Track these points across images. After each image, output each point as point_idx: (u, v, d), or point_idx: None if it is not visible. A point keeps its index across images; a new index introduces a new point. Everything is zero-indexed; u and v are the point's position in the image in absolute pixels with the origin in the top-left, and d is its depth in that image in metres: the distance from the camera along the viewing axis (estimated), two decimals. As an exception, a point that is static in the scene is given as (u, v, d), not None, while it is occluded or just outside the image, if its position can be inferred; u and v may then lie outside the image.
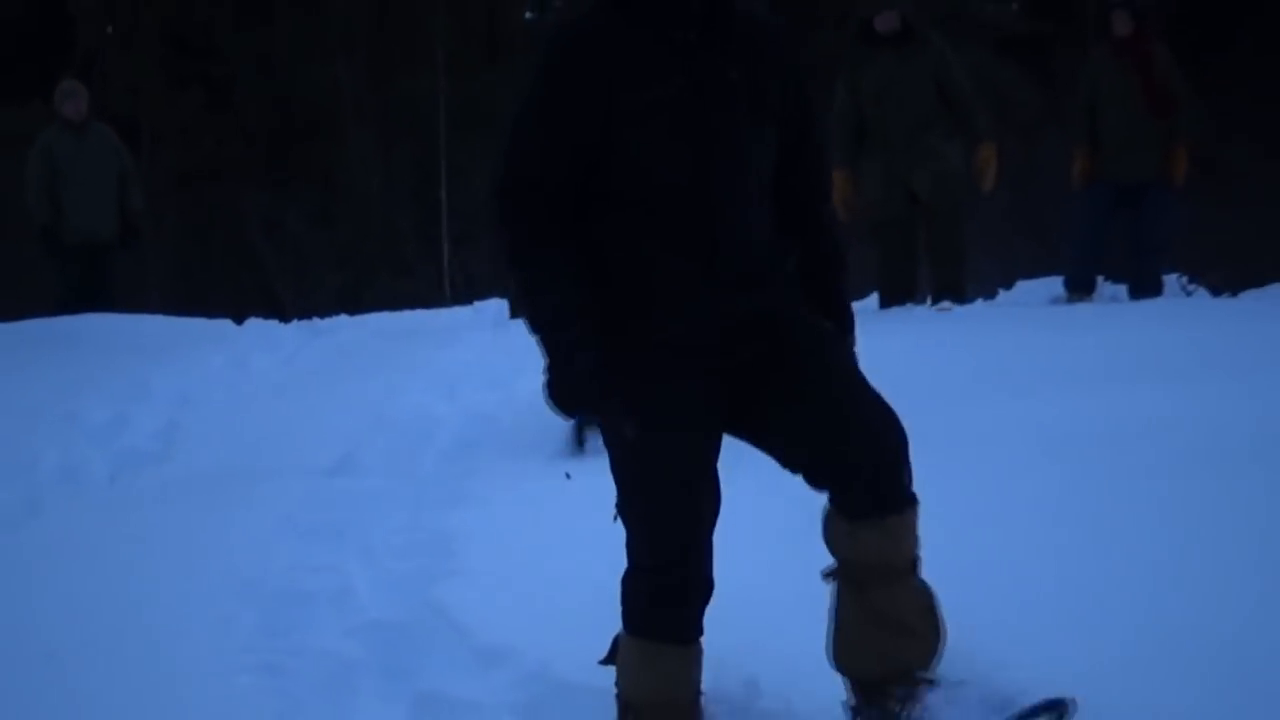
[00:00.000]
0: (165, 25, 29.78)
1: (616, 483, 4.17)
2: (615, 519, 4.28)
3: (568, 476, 7.55)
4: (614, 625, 5.54)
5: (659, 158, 3.82)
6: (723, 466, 4.25)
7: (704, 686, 4.46)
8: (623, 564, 6.04)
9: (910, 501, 3.94)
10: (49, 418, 9.54)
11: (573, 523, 6.72)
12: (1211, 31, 26.54)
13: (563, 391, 3.89)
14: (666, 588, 4.18)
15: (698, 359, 3.91)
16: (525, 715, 4.98)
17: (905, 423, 4.00)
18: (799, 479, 4.09)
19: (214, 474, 8.35)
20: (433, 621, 5.82)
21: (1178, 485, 6.23)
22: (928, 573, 4.12)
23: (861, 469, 3.82)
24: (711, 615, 4.48)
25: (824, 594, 4.37)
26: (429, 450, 8.59)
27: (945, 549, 4.19)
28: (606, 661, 4.44)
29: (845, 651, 4.07)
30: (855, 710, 4.12)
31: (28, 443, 8.94)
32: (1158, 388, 7.91)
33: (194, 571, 6.62)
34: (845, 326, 4.27)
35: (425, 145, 30.44)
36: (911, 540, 3.96)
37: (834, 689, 4.29)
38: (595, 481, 7.25)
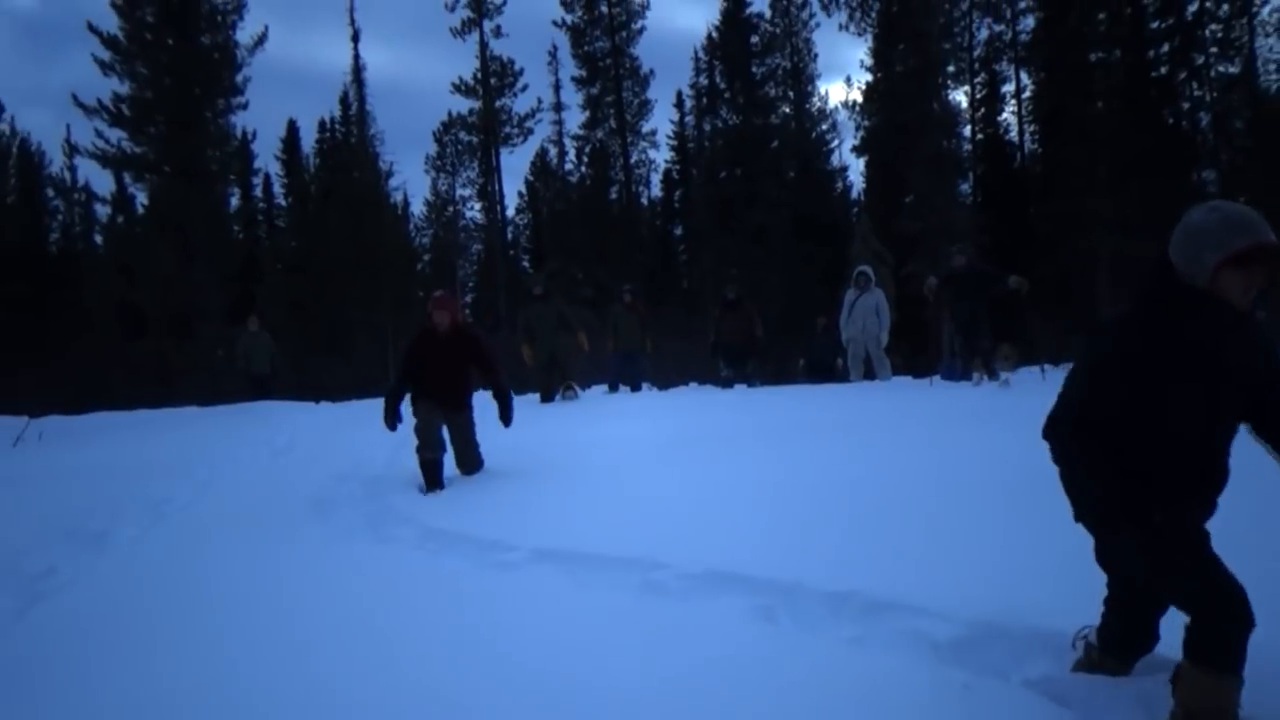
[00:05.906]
0: (289, 299, 29.54)
1: (1176, 566, 2.17)
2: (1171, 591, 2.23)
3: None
4: (473, 510, 5.12)
5: (1184, 424, 2.20)
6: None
7: None
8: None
9: None
10: (247, 439, 8.80)
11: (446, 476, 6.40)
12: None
13: (1088, 513, 2.26)
14: (1250, 625, 2.10)
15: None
16: (421, 541, 4.63)
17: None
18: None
19: (306, 459, 7.73)
20: (387, 511, 5.45)
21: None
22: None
23: None
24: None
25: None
26: (382, 450, 8.04)
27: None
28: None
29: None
30: None
31: (236, 449, 8.22)
32: (661, 419, 7.85)
33: (291, 493, 6.15)
34: None
35: (381, 341, 29.46)
36: None
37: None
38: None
